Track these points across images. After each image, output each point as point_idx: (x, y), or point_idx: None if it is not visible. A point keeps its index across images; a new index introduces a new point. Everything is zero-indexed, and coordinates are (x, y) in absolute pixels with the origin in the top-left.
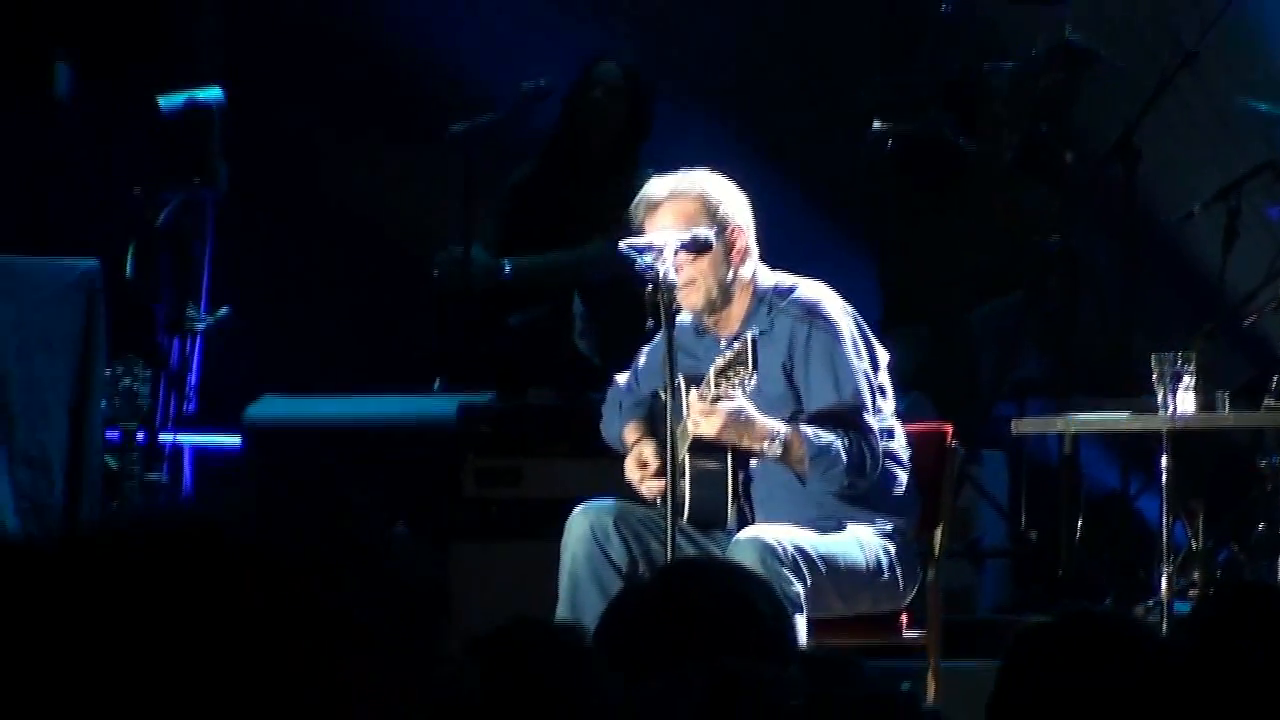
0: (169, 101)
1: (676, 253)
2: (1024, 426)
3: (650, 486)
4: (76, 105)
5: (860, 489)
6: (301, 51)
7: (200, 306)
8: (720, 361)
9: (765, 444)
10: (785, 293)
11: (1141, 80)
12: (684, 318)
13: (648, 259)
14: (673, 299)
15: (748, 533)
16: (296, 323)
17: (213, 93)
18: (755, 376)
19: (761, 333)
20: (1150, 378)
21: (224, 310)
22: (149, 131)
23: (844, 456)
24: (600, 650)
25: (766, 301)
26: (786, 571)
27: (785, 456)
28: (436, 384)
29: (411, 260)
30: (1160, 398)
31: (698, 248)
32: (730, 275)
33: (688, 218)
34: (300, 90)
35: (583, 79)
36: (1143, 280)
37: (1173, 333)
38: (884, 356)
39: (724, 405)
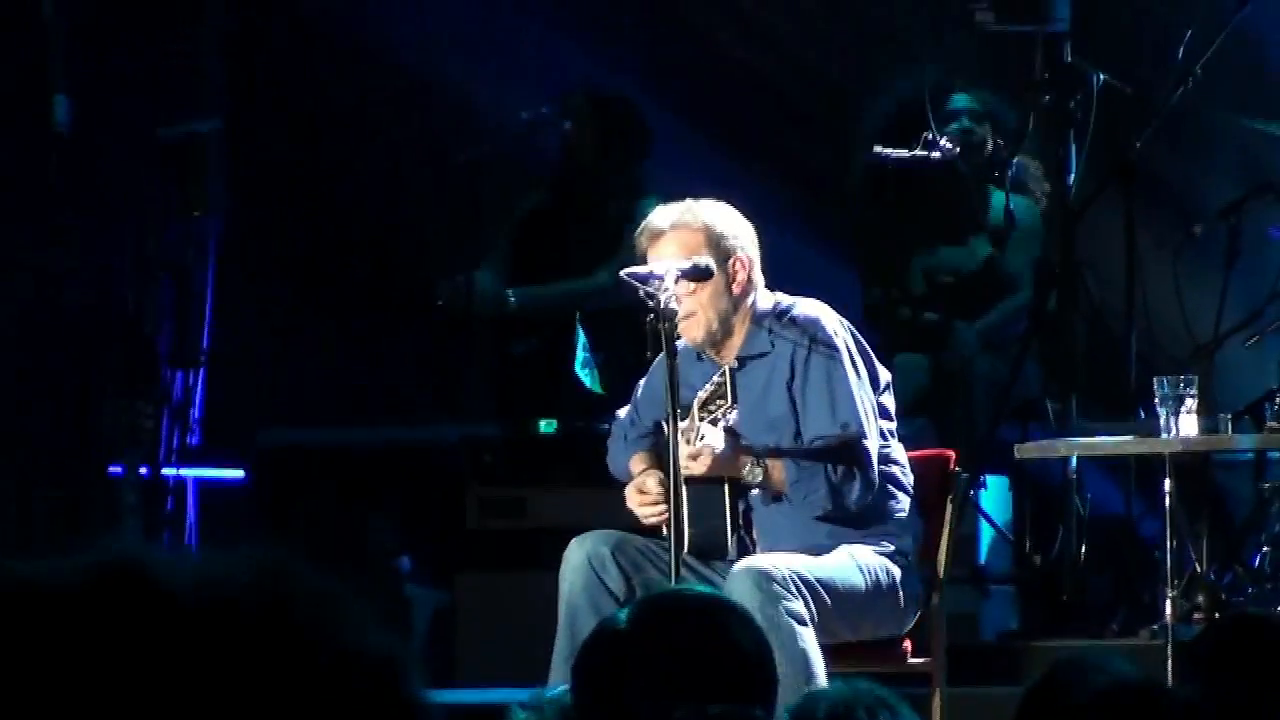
0: (169, 133)
1: (677, 280)
2: (1026, 451)
3: (649, 514)
4: (76, 137)
5: (849, 512)
6: (304, 82)
7: (203, 338)
8: (701, 395)
9: (746, 470)
10: (784, 312)
11: (1143, 101)
12: (682, 343)
13: (648, 287)
14: (674, 327)
15: (743, 563)
16: (300, 353)
17: (212, 124)
18: (735, 410)
19: (762, 355)
20: (1152, 399)
21: None
22: (149, 163)
23: (827, 481)
24: (577, 690)
25: (765, 324)
26: (785, 591)
27: (766, 481)
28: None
29: (416, 289)
30: (1162, 420)
31: (698, 275)
32: (731, 308)
33: (691, 249)
34: (303, 121)
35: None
36: (1143, 301)
37: (1175, 353)
38: (885, 375)
39: (708, 443)
